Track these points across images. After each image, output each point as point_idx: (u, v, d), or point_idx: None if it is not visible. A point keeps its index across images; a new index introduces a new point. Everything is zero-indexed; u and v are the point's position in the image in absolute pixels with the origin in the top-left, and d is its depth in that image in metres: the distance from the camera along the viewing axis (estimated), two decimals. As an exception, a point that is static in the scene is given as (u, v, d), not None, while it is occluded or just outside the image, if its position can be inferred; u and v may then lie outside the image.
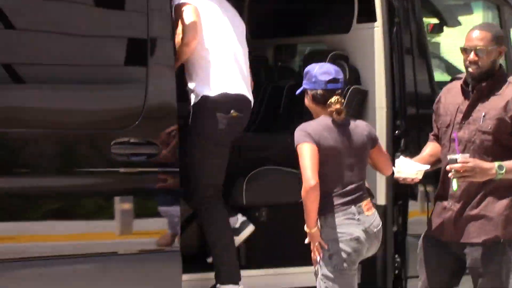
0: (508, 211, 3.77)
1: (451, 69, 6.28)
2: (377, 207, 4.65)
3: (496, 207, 3.79)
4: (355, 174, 3.88)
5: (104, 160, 3.96)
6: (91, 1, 4.16)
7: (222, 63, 4.43)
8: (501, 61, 4.65)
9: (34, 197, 4.04)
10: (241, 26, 4.76)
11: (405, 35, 4.89)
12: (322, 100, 3.85)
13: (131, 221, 4.19)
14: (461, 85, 3.78)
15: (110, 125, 4.03)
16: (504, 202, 3.78)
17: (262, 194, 4.99)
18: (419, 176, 3.80)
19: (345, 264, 3.69)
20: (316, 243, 3.68)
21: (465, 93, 3.79)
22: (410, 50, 4.97)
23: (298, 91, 4.07)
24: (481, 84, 3.70)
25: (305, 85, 3.94)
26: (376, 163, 4.10)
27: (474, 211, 3.79)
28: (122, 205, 4.18)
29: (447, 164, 3.61)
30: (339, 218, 3.76)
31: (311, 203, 3.67)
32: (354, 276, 3.91)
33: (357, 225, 3.76)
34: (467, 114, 3.73)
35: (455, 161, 3.54)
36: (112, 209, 4.10)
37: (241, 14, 5.44)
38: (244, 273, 4.62)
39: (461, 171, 3.53)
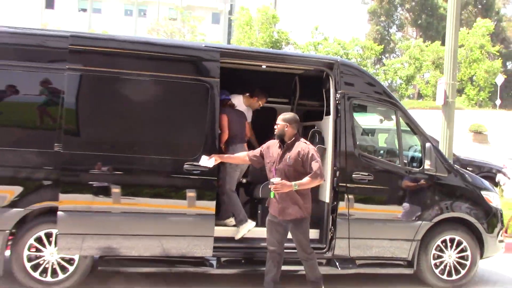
0: (300, 205, 5.82)
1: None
2: (324, 203, 6.90)
3: (296, 203, 5.82)
4: None
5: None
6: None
7: None
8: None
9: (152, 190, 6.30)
10: None
11: (338, 122, 6.79)
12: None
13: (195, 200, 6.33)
14: (279, 143, 5.91)
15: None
16: (299, 200, 5.83)
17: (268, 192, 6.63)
18: (210, 165, 6.05)
19: None
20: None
21: (281, 146, 5.91)
22: (345, 129, 6.77)
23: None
24: (287, 142, 5.83)
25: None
26: None
27: (287, 205, 5.82)
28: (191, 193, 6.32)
29: (271, 183, 5.66)
30: None
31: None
32: None
33: None
34: (282, 157, 5.85)
35: (272, 183, 5.65)
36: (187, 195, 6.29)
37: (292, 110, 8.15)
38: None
39: (275, 187, 5.65)
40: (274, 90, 8.12)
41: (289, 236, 6.12)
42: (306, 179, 5.76)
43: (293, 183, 5.71)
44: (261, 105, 7.84)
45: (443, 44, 51.50)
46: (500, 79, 41.25)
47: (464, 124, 33.35)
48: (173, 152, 6.33)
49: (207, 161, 6.12)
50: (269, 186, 5.78)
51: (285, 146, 5.93)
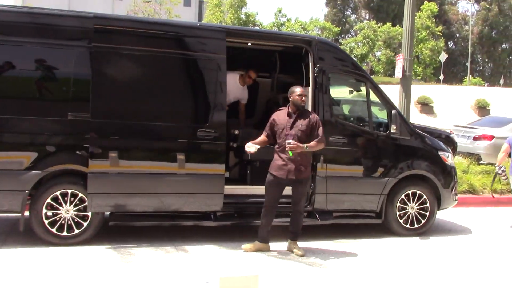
0: (309, 165, 6.26)
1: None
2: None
3: (308, 164, 6.21)
4: None
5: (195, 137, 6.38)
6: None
7: None
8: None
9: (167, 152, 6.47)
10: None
11: (316, 93, 6.99)
12: None
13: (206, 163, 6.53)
14: (288, 112, 6.15)
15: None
16: (310, 161, 6.26)
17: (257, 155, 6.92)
18: (252, 150, 6.09)
19: None
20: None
21: (290, 115, 6.16)
22: (322, 98, 6.99)
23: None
24: (301, 111, 6.17)
25: None
26: None
27: (302, 166, 6.10)
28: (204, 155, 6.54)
29: (287, 144, 5.87)
30: None
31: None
32: None
33: None
34: (293, 124, 6.14)
35: (289, 143, 5.91)
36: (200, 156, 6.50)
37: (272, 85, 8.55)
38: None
39: (292, 147, 5.92)
40: (256, 66, 8.26)
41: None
42: (314, 142, 6.07)
43: (304, 145, 6.01)
44: (252, 79, 8.00)
45: (393, 25, 52.33)
46: (443, 57, 42.20)
47: (412, 97, 34.08)
48: (188, 120, 6.58)
49: (251, 148, 6.19)
50: (286, 148, 5.99)
51: (298, 114, 6.21)
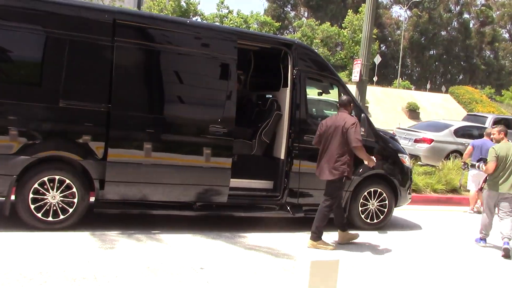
0: None
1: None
2: (279, 159, 7.52)
3: None
4: None
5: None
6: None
7: None
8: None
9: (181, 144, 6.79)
10: None
11: (294, 93, 7.42)
12: None
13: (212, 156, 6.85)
14: None
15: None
16: None
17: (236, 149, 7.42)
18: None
19: None
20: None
21: None
22: (298, 99, 7.39)
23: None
24: None
25: None
26: None
27: None
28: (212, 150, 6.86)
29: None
30: None
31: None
32: None
33: None
34: None
35: None
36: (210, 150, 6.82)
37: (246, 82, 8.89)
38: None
39: None
40: None
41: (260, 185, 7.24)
42: None
43: None
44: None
45: (331, 25, 53.84)
46: (378, 59, 44.00)
47: (347, 96, 35.35)
48: (201, 116, 6.89)
49: None
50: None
51: None
